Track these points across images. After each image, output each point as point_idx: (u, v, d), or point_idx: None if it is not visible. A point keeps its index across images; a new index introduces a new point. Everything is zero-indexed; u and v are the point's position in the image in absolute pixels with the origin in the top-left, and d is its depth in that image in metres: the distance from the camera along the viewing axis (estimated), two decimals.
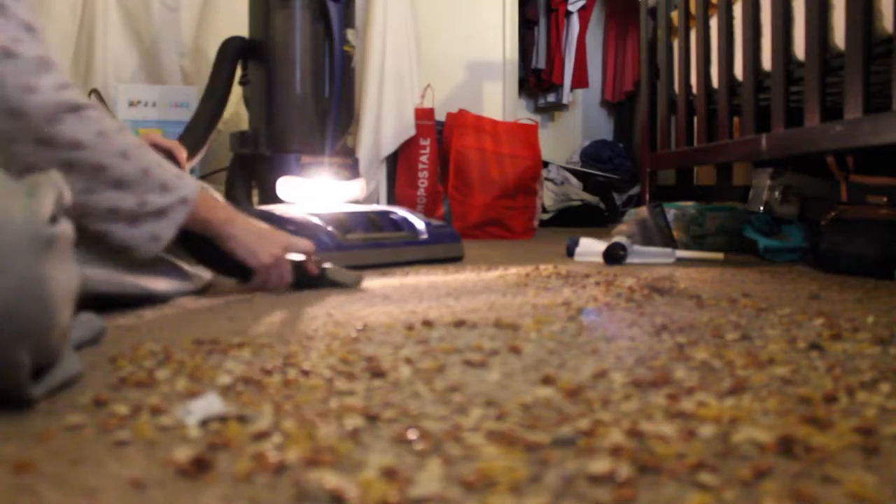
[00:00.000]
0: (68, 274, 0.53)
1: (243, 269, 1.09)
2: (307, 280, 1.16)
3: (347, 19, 1.84)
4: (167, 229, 0.96)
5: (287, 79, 1.81)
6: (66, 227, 0.52)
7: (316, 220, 1.53)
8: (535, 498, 0.38)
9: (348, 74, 1.86)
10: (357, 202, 1.86)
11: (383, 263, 1.55)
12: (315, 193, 1.77)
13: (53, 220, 0.51)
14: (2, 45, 0.79)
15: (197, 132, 1.76)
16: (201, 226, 1.02)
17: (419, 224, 1.68)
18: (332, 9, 1.78)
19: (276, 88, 1.81)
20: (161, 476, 0.41)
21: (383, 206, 1.96)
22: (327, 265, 1.20)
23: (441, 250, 1.68)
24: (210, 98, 1.81)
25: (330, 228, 1.50)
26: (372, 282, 1.30)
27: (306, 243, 1.15)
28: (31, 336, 0.49)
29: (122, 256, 0.96)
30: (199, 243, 1.05)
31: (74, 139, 0.84)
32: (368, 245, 1.55)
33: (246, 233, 1.06)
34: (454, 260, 1.70)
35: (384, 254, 1.57)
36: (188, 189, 0.97)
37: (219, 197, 1.08)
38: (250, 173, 1.93)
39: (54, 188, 0.53)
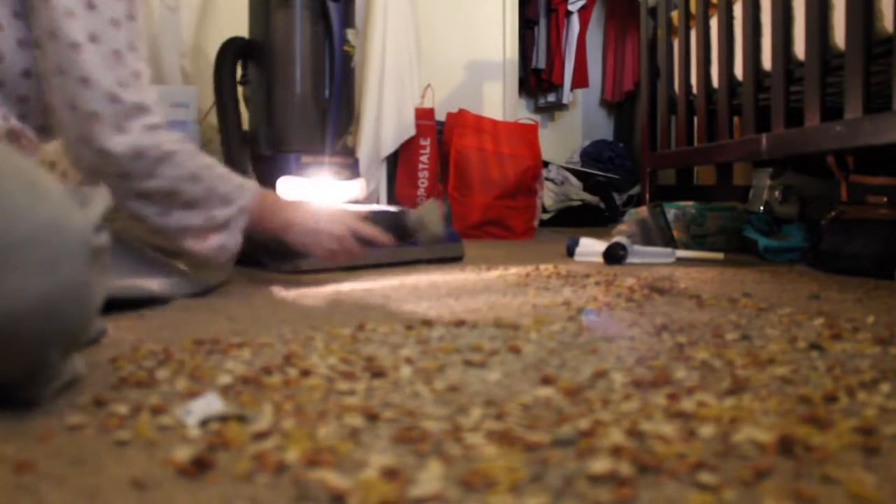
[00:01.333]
0: (103, 283, 0.55)
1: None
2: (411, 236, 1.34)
3: (348, 19, 1.84)
4: (232, 238, 1.06)
5: (287, 78, 1.80)
6: (108, 238, 0.54)
7: None
8: (535, 498, 0.38)
9: (348, 74, 1.86)
10: (357, 202, 1.86)
11: (383, 263, 1.55)
12: (315, 193, 1.77)
13: (99, 230, 0.53)
14: (110, 89, 0.91)
15: (234, 143, 1.76)
16: (261, 230, 1.12)
17: None
18: (332, 9, 1.78)
19: (276, 88, 1.81)
20: (161, 476, 0.41)
21: (384, 206, 1.96)
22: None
23: (441, 250, 1.67)
24: (224, 106, 1.80)
25: None
26: (372, 282, 1.30)
27: (371, 231, 1.23)
28: (65, 338, 0.51)
29: (124, 261, 0.97)
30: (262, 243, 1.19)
31: (150, 172, 0.96)
32: (368, 244, 1.55)
33: (301, 234, 1.16)
34: (454, 260, 1.70)
35: (384, 253, 1.57)
36: (246, 198, 1.07)
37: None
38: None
39: (104, 201, 0.55)
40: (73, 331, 0.51)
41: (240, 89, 1.91)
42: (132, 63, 0.94)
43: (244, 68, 1.87)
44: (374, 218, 1.26)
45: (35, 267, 0.48)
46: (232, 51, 1.79)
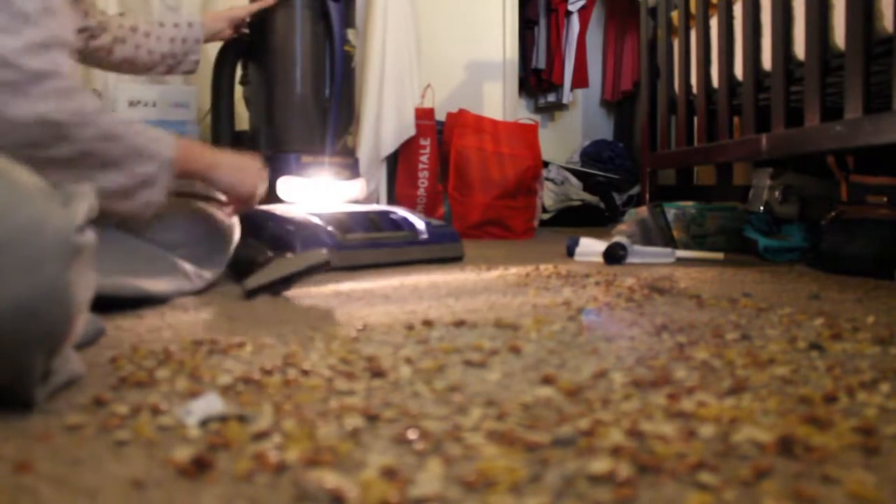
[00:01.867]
0: (88, 283, 0.54)
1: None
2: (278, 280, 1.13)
3: (348, 19, 1.84)
4: (158, 194, 1.02)
5: (287, 78, 1.80)
6: (91, 237, 0.53)
7: (316, 220, 1.53)
8: (535, 498, 0.38)
9: (349, 74, 1.86)
10: (357, 202, 1.86)
11: (383, 263, 1.55)
12: (315, 193, 1.77)
13: (81, 229, 0.52)
14: (5, 55, 0.83)
15: (224, 143, 1.79)
16: (187, 177, 1.10)
17: (419, 224, 1.68)
18: (333, 8, 1.78)
19: (276, 88, 1.81)
20: (161, 476, 0.41)
21: (383, 206, 1.96)
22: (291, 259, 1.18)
23: (441, 250, 1.67)
24: (218, 106, 1.81)
25: (330, 228, 1.50)
26: (372, 282, 1.30)
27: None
28: (48, 340, 0.50)
29: (123, 259, 0.96)
30: None
31: (60, 137, 0.88)
32: (368, 245, 1.56)
33: (227, 173, 1.15)
34: (454, 260, 1.69)
35: (384, 253, 1.57)
36: (168, 150, 1.02)
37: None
38: None
39: (86, 200, 0.54)
40: (55, 333, 0.51)
41: (240, 89, 1.92)
42: (46, 27, 0.87)
43: (244, 68, 1.88)
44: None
45: (15, 269, 0.47)
46: (232, 51, 1.79)
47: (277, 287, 1.11)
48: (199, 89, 2.26)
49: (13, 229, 0.48)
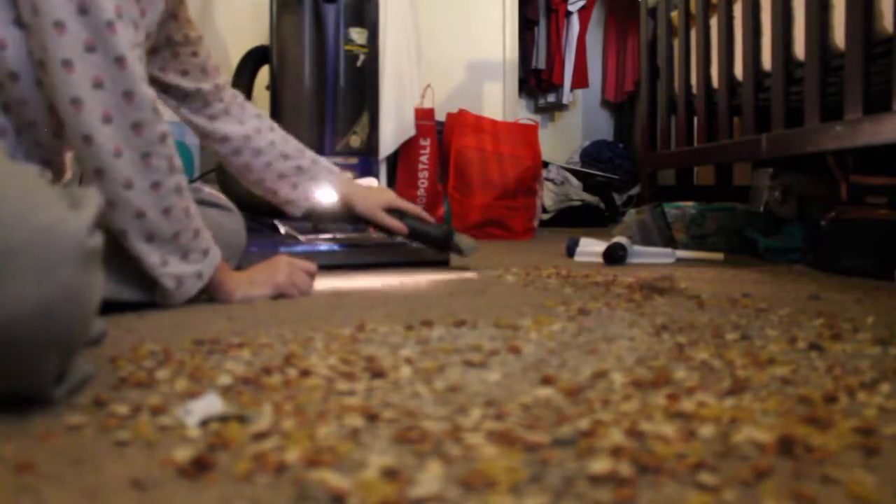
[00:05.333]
0: (99, 285, 0.55)
1: None
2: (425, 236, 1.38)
3: (357, 18, 1.83)
4: (177, 298, 0.97)
5: (290, 80, 1.81)
6: (100, 240, 0.54)
7: (276, 221, 1.50)
8: (535, 498, 0.38)
9: (354, 74, 1.85)
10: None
11: (346, 265, 1.51)
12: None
13: (92, 232, 0.52)
14: (95, 74, 0.84)
15: None
16: (209, 295, 1.02)
17: None
18: (326, 10, 1.78)
19: (279, 90, 1.82)
20: (161, 476, 0.41)
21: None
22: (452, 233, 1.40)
23: (421, 252, 1.58)
24: None
25: (283, 229, 1.43)
26: (372, 282, 1.30)
27: (308, 265, 1.13)
28: (64, 342, 0.51)
29: (124, 261, 0.96)
30: None
31: (127, 178, 0.88)
32: (338, 245, 1.52)
33: (244, 293, 1.05)
34: (437, 264, 1.59)
35: (347, 255, 1.52)
36: (207, 265, 0.98)
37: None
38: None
39: (96, 203, 0.55)
40: (72, 334, 0.51)
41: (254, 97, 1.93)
42: (127, 35, 0.86)
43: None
44: None
45: (33, 273, 0.48)
46: (252, 58, 1.81)
47: None
48: None
49: (30, 235, 0.48)
